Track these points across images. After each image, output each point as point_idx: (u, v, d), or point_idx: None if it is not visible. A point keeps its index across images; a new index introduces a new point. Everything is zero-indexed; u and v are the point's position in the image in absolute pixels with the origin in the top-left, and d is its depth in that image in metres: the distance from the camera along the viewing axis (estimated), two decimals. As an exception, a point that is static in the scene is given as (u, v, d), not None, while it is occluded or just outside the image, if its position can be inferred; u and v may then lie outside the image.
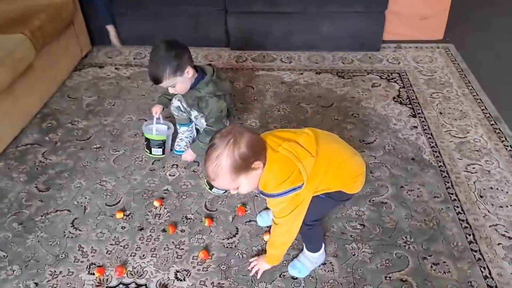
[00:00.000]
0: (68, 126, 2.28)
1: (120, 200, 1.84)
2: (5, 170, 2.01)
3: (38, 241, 1.67)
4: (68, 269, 1.57)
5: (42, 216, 1.78)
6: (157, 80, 1.75)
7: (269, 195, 1.28)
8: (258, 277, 1.49)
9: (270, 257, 1.47)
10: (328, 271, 1.53)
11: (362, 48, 2.88)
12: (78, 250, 1.64)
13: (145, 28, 2.98)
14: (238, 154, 1.18)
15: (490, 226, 1.66)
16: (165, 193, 1.87)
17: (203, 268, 1.55)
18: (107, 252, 1.62)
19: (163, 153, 2.00)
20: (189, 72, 1.76)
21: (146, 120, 2.24)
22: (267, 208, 1.75)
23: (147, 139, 1.98)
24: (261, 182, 1.28)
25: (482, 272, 1.50)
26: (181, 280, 1.52)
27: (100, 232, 1.70)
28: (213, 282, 1.51)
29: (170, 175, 1.96)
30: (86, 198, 1.86)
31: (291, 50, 2.91)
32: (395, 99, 2.40)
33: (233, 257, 1.59)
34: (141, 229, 1.71)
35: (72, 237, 1.69)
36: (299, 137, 1.30)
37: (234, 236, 1.67)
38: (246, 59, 2.85)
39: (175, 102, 1.98)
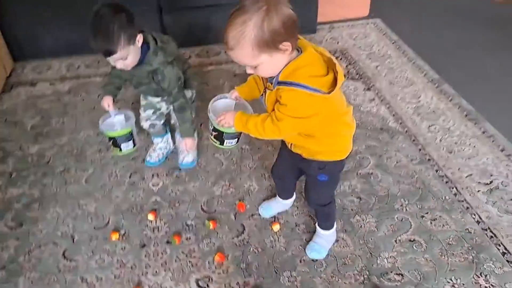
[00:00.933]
0: (18, 154, 2.06)
1: (108, 221, 1.72)
2: (-40, 214, 1.77)
3: (32, 282, 1.51)
4: (78, 304, 1.44)
5: (25, 255, 1.60)
6: (110, 52, 1.43)
7: (291, 84, 1.10)
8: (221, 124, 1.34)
9: (243, 127, 1.26)
10: (343, 246, 1.58)
11: (300, 32, 2.94)
12: (82, 282, 1.51)
13: (72, 36, 2.76)
14: (268, 27, 1.01)
15: (466, 177, 1.84)
16: (155, 204, 1.78)
17: (222, 271, 1.52)
18: (115, 277, 1.52)
19: (134, 145, 1.76)
20: (140, 40, 1.49)
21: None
22: (265, 200, 1.75)
23: (111, 138, 1.71)
24: (288, 68, 1.11)
25: (473, 218, 1.66)
26: (205, 287, 1.47)
27: (99, 258, 1.58)
28: (238, 283, 1.48)
29: (153, 185, 1.87)
30: (69, 226, 1.71)
31: (232, 42, 2.89)
32: (346, 76, 2.52)
33: (249, 253, 1.58)
34: (143, 245, 1.62)
35: (69, 270, 1.55)
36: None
37: (242, 233, 1.65)
38: (190, 56, 2.78)
39: (145, 123, 1.85)
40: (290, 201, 1.71)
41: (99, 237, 1.66)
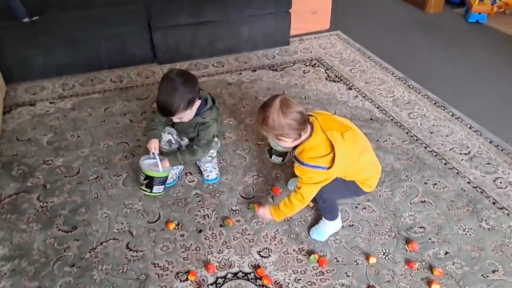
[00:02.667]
0: (45, 167, 2.14)
1: (159, 215, 1.87)
2: (7, 225, 1.82)
3: (107, 273, 1.63)
4: (159, 285, 1.59)
5: (90, 252, 1.71)
6: (168, 114, 1.73)
7: (300, 162, 1.58)
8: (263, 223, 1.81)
9: (280, 213, 1.67)
10: (371, 212, 1.89)
11: (275, 45, 3.29)
12: (155, 267, 1.66)
13: (64, 57, 2.86)
14: (273, 124, 1.52)
15: (449, 150, 2.24)
16: (197, 197, 1.97)
17: (277, 242, 1.75)
18: (184, 259, 1.69)
19: (164, 190, 1.91)
20: (197, 104, 1.78)
21: (127, 143, 2.25)
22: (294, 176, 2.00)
23: (148, 177, 1.83)
24: (299, 148, 1.58)
25: (464, 180, 2.05)
26: (267, 257, 1.69)
27: (164, 246, 1.74)
28: (294, 249, 1.72)
29: (189, 181, 2.05)
30: (123, 224, 1.84)
31: (217, 56, 3.15)
32: (328, 79, 2.88)
33: (295, 226, 1.82)
34: (200, 231, 1.80)
35: (138, 259, 1.69)
36: (345, 130, 1.60)
37: (284, 211, 1.89)
38: (180, 71, 2.98)
39: (165, 136, 1.92)
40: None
41: (156, 229, 1.81)
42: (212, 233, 1.79)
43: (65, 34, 2.78)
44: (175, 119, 1.79)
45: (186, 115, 1.78)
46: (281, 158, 1.97)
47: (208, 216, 1.87)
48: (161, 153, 1.91)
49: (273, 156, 1.96)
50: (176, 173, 2.04)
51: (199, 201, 1.94)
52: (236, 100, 2.65)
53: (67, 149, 2.25)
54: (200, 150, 1.85)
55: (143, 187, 1.88)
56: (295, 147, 1.63)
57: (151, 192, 1.88)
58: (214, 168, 2.05)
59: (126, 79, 2.88)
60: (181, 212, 1.88)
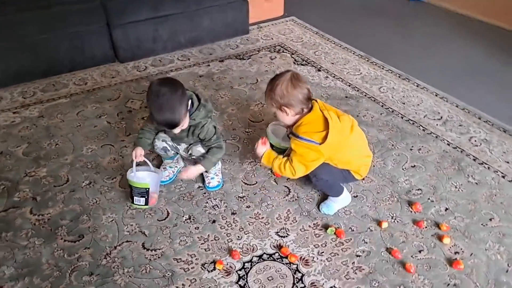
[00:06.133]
0: (29, 179, 2.01)
1: (168, 212, 1.84)
2: (5, 244, 1.71)
3: (130, 276, 1.58)
4: (187, 278, 1.58)
5: (105, 258, 1.65)
6: (176, 125, 1.69)
7: (295, 135, 1.67)
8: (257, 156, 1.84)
9: (270, 164, 1.76)
10: (370, 182, 1.99)
11: (236, 34, 3.30)
12: (178, 262, 1.64)
13: (21, 63, 2.69)
14: (282, 93, 1.64)
15: (424, 117, 2.41)
16: (201, 189, 1.95)
17: (292, 221, 1.80)
18: (206, 250, 1.68)
19: (146, 203, 1.78)
20: (189, 105, 1.74)
21: (112, 145, 2.20)
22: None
23: (130, 186, 1.77)
24: (296, 124, 1.69)
25: (444, 142, 2.22)
26: (286, 236, 1.74)
27: (181, 241, 1.72)
28: (309, 225, 1.78)
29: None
30: (132, 225, 1.79)
31: (179, 49, 3.11)
32: (296, 63, 2.95)
33: (304, 204, 1.88)
34: (213, 221, 1.80)
35: (159, 257, 1.65)
36: (343, 115, 1.71)
37: (290, 192, 1.94)
38: (146, 68, 2.91)
39: (160, 144, 1.88)
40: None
41: (168, 226, 1.78)
42: (226, 221, 1.80)
43: (17, 38, 2.60)
44: (178, 129, 1.73)
45: (185, 121, 1.73)
46: (281, 156, 1.85)
47: (218, 206, 1.87)
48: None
49: (135, 198, 1.80)
50: (173, 171, 2.01)
51: (204, 193, 1.93)
52: (212, 92, 2.64)
53: (48, 158, 2.13)
54: (219, 143, 1.84)
55: (129, 197, 1.82)
56: (291, 126, 1.72)
57: (132, 203, 1.79)
58: (216, 175, 1.97)
59: (91, 80, 2.76)
60: (189, 206, 1.87)
